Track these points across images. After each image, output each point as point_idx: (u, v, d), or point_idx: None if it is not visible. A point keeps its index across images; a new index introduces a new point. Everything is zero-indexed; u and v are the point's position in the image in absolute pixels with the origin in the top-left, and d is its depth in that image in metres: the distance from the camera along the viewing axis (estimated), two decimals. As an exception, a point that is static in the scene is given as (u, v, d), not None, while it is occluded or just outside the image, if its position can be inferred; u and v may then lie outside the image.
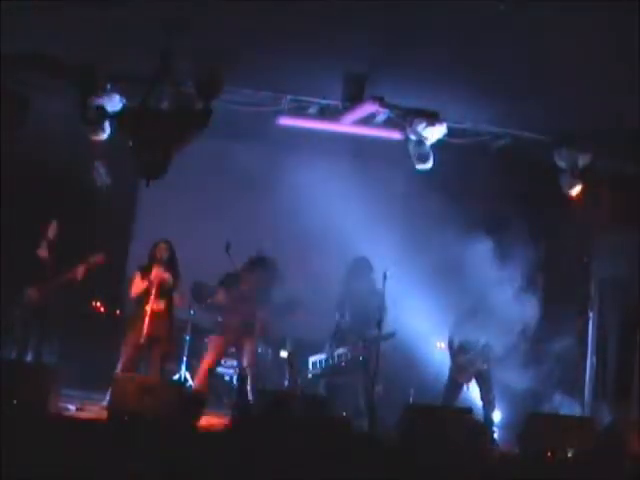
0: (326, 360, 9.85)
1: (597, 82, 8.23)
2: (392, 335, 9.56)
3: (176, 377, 10.15)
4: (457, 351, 9.71)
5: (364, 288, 9.66)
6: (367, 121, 9.63)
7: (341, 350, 9.78)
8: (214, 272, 9.64)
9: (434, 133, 9.49)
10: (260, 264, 9.71)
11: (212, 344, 9.76)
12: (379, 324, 9.14)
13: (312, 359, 10.01)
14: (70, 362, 9.48)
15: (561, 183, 10.09)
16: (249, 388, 9.26)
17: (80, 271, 9.37)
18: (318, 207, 10.60)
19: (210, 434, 7.62)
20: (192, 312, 10.55)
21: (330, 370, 9.85)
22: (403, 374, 10.53)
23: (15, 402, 7.34)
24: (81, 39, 8.24)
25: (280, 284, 9.80)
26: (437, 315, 10.26)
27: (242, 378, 9.64)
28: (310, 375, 10.02)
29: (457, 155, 10.06)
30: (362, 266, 9.81)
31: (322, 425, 7.58)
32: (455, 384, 9.68)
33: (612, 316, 10.85)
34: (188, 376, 10.28)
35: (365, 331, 9.60)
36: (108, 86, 8.98)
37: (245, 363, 9.45)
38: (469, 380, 9.66)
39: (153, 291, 9.23)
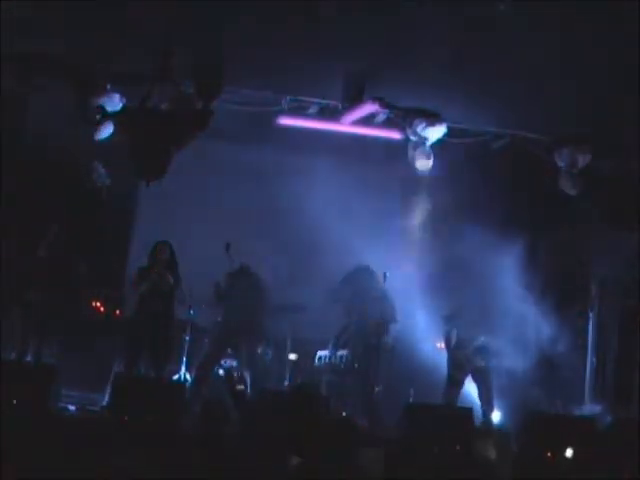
0: (329, 357, 9.92)
1: (596, 82, 8.24)
2: (391, 345, 9.61)
3: (176, 377, 10.13)
4: (454, 346, 9.69)
5: (368, 297, 9.70)
6: (367, 121, 9.64)
7: (343, 352, 9.82)
8: (214, 272, 9.64)
9: (434, 133, 9.50)
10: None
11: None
12: (385, 330, 9.20)
13: (320, 353, 10.15)
14: (70, 362, 9.46)
15: (561, 183, 10.09)
16: (247, 387, 9.32)
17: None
18: (319, 207, 10.56)
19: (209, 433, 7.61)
20: (192, 312, 10.54)
21: (330, 368, 9.91)
22: (403, 374, 10.52)
23: (15, 402, 7.34)
24: (81, 39, 8.24)
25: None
26: (437, 315, 10.24)
27: (228, 378, 9.67)
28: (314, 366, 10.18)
29: (457, 155, 10.06)
30: (360, 277, 9.85)
31: (322, 425, 7.57)
32: (453, 381, 9.64)
33: (612, 316, 10.84)
34: (188, 376, 10.27)
35: (366, 338, 9.64)
36: (108, 86, 8.98)
37: (242, 364, 9.52)
38: (466, 376, 9.64)
39: (153, 291, 9.24)
